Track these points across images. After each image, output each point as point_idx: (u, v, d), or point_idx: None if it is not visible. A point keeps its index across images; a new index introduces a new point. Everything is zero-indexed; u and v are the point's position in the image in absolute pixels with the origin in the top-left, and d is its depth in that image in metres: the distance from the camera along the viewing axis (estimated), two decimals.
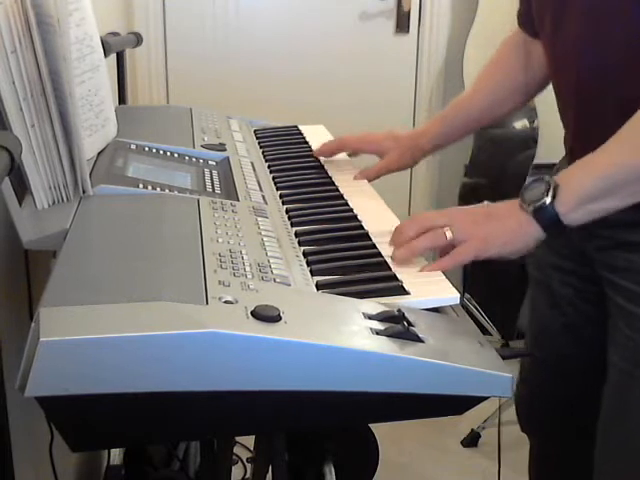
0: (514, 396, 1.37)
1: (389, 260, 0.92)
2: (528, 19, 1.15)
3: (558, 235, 0.92)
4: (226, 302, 0.71)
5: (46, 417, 0.71)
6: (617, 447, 1.09)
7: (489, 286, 2.62)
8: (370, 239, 0.98)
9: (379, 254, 0.94)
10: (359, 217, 1.05)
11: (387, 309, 0.77)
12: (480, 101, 1.27)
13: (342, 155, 1.36)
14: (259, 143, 1.42)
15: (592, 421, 1.12)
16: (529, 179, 0.93)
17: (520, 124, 2.50)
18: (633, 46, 0.92)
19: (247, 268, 0.80)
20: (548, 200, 0.89)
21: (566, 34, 1.01)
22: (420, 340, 0.73)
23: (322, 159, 1.32)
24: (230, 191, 1.08)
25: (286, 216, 1.05)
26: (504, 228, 0.92)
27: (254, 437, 1.36)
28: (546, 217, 0.90)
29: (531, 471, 1.42)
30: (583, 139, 1.01)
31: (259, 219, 0.98)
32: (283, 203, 1.10)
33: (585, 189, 0.89)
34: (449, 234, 0.91)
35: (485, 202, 0.95)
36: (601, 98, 0.89)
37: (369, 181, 1.24)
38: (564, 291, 1.20)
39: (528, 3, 1.14)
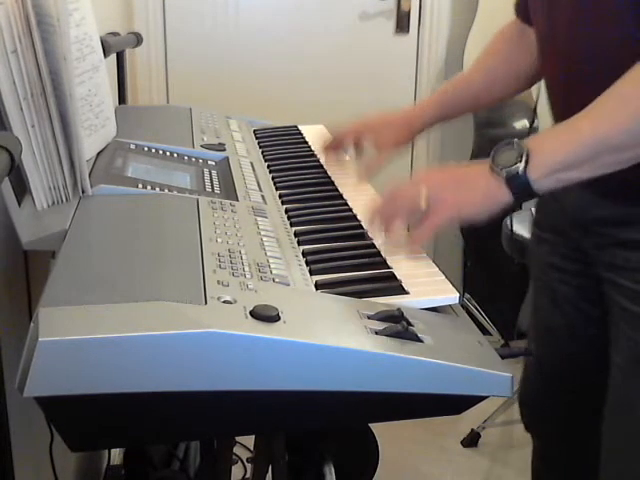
0: (518, 395, 1.37)
1: (389, 260, 0.92)
2: (525, 7, 1.16)
3: (525, 200, 0.93)
4: (225, 302, 0.71)
5: (45, 417, 0.71)
6: (622, 446, 1.09)
7: (489, 286, 2.62)
8: (369, 238, 0.98)
9: (378, 253, 0.94)
10: (358, 217, 1.05)
11: (386, 309, 0.77)
12: (478, 79, 1.27)
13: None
14: (259, 143, 1.42)
15: (595, 420, 1.12)
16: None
17: (520, 124, 2.50)
18: (622, 29, 0.93)
19: (246, 268, 0.80)
20: (521, 167, 0.89)
21: (557, 20, 1.02)
22: (419, 340, 0.73)
23: (322, 161, 1.32)
24: (229, 191, 1.08)
25: (285, 216, 1.05)
26: (474, 192, 0.92)
27: (254, 437, 1.35)
28: (518, 183, 0.90)
29: (534, 471, 1.42)
30: None
31: (258, 219, 0.99)
32: (282, 203, 1.10)
33: (558, 158, 0.90)
34: (422, 203, 0.92)
35: (452, 162, 0.96)
36: (592, 85, 0.89)
37: (374, 174, 1.23)
38: (565, 291, 1.20)
39: None
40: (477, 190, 0.92)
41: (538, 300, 1.28)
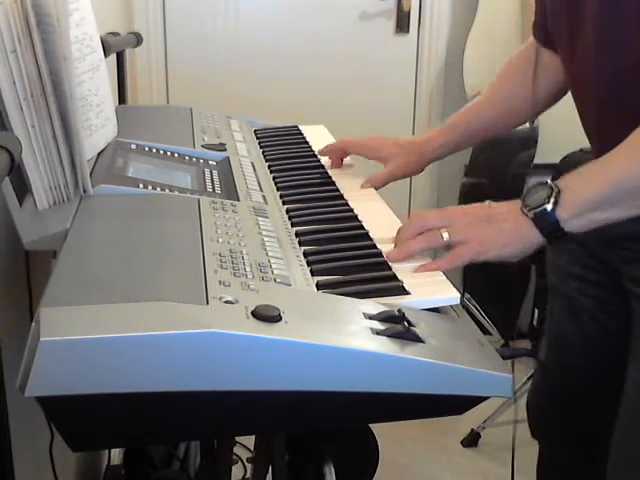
0: (526, 402, 1.36)
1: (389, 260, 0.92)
2: (543, 29, 1.13)
3: (558, 241, 0.90)
4: (226, 302, 0.71)
5: (46, 417, 0.71)
6: (633, 464, 1.07)
7: (489, 286, 2.62)
8: (370, 239, 0.98)
9: (379, 254, 0.93)
10: (359, 217, 1.05)
11: (387, 309, 0.77)
12: (492, 109, 1.24)
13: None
14: (259, 143, 1.42)
15: (603, 433, 1.10)
16: (532, 181, 0.91)
17: None
18: None
19: (247, 268, 0.80)
20: (549, 207, 0.87)
21: (582, 41, 1.00)
22: (420, 340, 0.73)
23: (323, 161, 1.32)
24: (230, 191, 1.08)
25: (286, 216, 1.05)
26: (503, 231, 0.90)
27: (254, 437, 1.36)
28: (546, 223, 0.88)
29: (539, 476, 1.41)
30: (607, 143, 0.95)
31: (259, 219, 0.98)
32: (283, 203, 1.10)
33: (589, 198, 0.88)
34: (445, 235, 0.91)
35: (487, 202, 0.94)
36: (620, 104, 0.87)
37: (376, 189, 1.21)
38: (584, 302, 1.18)
39: (543, 14, 1.12)
40: (505, 230, 0.90)
41: (554, 307, 1.26)
